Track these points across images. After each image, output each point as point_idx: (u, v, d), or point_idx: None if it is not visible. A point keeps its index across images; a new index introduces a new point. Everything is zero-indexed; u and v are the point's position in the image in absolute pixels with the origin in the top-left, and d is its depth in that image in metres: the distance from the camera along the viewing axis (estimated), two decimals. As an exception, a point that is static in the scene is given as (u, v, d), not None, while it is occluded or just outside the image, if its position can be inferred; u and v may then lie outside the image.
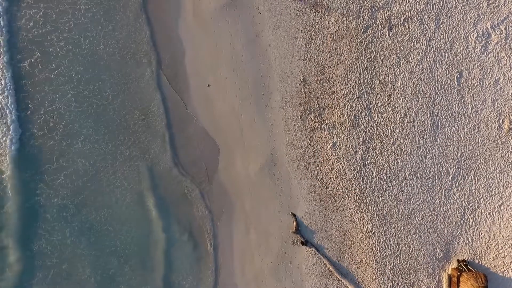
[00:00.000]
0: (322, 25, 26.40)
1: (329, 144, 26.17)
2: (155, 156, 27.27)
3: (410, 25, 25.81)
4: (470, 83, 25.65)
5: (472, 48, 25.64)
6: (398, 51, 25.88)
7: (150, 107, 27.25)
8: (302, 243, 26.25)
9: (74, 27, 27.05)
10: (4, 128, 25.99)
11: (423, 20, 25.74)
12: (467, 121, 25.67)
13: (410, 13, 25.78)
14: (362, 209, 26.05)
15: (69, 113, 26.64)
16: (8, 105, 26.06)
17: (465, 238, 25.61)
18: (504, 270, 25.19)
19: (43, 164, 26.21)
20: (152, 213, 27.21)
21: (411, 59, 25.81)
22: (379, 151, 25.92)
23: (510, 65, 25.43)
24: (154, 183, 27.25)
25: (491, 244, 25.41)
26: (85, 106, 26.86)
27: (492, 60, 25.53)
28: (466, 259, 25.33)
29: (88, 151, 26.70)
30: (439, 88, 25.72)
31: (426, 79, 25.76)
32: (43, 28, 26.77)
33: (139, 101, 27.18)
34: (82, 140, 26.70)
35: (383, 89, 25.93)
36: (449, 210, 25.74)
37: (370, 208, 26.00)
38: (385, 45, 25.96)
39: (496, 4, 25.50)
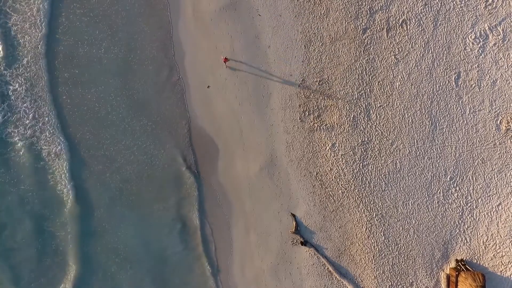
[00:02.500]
0: (321, 27, 26.57)
1: (328, 145, 26.34)
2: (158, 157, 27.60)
3: (408, 27, 25.98)
4: (468, 84, 25.83)
5: (470, 50, 25.81)
6: (397, 53, 26.05)
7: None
8: (302, 243, 26.41)
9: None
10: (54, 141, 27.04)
11: (421, 22, 25.92)
12: (465, 122, 25.85)
13: (409, 14, 25.95)
14: (361, 210, 26.22)
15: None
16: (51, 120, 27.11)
17: (463, 238, 25.79)
18: (502, 270, 25.39)
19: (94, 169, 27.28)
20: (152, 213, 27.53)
21: (410, 60, 25.98)
22: (377, 151, 26.10)
23: (507, 66, 25.61)
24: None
25: (489, 244, 25.60)
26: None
27: (489, 61, 25.71)
28: (464, 259, 25.52)
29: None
30: (437, 89, 25.90)
31: (424, 80, 25.93)
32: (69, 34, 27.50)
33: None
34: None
35: (382, 90, 26.10)
36: (448, 210, 25.92)
37: (369, 209, 26.17)
38: (383, 47, 26.13)
39: (494, 6, 25.67)
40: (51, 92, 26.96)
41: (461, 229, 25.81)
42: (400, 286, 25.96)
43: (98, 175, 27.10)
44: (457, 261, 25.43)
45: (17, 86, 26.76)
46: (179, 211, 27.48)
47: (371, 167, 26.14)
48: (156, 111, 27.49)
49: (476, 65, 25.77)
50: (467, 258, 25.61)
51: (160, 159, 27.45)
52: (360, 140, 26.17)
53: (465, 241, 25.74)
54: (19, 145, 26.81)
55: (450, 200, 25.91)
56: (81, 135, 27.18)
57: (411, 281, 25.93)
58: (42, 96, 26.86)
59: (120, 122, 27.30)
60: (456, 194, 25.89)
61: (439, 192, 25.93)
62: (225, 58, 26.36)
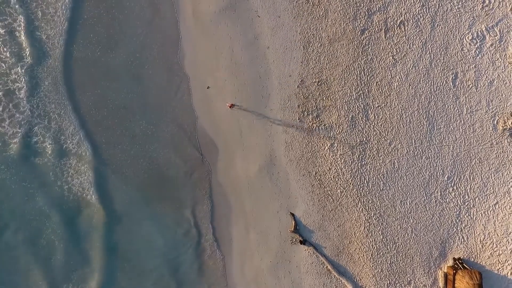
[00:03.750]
0: (320, 28, 26.81)
1: (327, 145, 26.60)
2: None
3: (406, 28, 26.22)
4: (465, 85, 26.06)
5: (467, 50, 26.04)
6: (395, 53, 26.29)
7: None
8: (301, 242, 26.67)
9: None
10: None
11: (419, 23, 26.15)
12: (462, 121, 26.09)
13: (406, 15, 26.19)
14: (359, 209, 26.48)
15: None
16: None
17: (461, 237, 26.04)
18: (499, 268, 25.63)
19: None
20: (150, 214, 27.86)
21: (407, 61, 26.22)
22: (376, 151, 26.35)
23: (504, 66, 25.83)
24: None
25: (486, 243, 25.84)
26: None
27: (486, 62, 25.92)
28: (461, 257, 25.76)
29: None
30: (435, 89, 26.14)
31: (422, 80, 26.17)
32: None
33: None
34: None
35: (380, 90, 26.35)
36: (445, 209, 26.16)
37: (367, 208, 26.42)
38: (381, 47, 26.36)
39: (491, 7, 25.88)
40: (70, 94, 27.61)
41: (458, 228, 26.06)
42: (398, 284, 26.22)
43: (119, 177, 27.66)
44: (454, 259, 25.67)
45: (40, 86, 27.52)
46: (193, 212, 27.90)
47: (370, 166, 26.40)
48: (166, 112, 27.86)
49: (473, 66, 25.99)
50: (465, 256, 25.85)
51: (169, 160, 27.89)
52: (358, 140, 26.43)
53: (462, 240, 25.99)
54: (42, 148, 27.42)
55: (447, 199, 26.14)
56: (102, 139, 27.80)
57: (409, 279, 26.19)
58: (60, 98, 27.49)
59: (135, 125, 27.93)
60: (453, 193, 26.13)
61: (437, 192, 26.17)
62: (230, 104, 26.63)
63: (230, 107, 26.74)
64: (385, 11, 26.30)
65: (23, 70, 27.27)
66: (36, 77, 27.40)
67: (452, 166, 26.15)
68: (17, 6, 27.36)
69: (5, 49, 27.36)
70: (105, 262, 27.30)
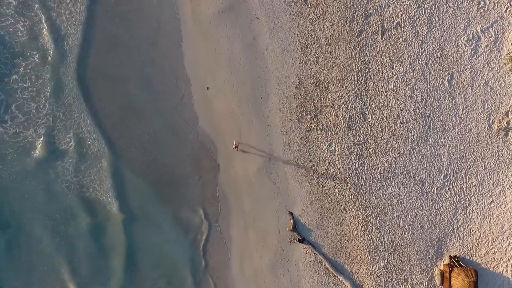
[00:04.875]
0: (318, 29, 27.16)
1: (325, 145, 26.94)
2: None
3: (402, 29, 26.58)
4: (461, 85, 26.41)
5: (462, 51, 26.40)
6: (391, 54, 26.64)
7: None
8: (299, 241, 26.99)
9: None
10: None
11: (415, 24, 26.51)
12: (458, 121, 26.45)
13: (403, 17, 26.55)
14: (357, 208, 26.82)
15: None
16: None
17: (457, 235, 26.39)
18: (494, 266, 25.98)
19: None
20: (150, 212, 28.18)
21: (404, 62, 26.58)
22: (373, 151, 26.70)
23: (499, 67, 26.19)
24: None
25: (481, 241, 26.20)
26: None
27: (482, 63, 26.28)
28: (457, 255, 26.10)
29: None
30: (431, 89, 26.50)
31: (418, 81, 26.53)
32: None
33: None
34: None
35: (377, 91, 26.70)
36: (441, 208, 26.51)
37: (364, 207, 26.77)
38: (378, 49, 26.71)
39: (486, 8, 26.24)
40: (85, 95, 27.95)
41: (454, 226, 26.40)
42: (395, 282, 26.57)
43: (133, 177, 27.98)
44: (450, 257, 26.02)
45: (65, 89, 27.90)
46: (202, 211, 28.17)
47: (367, 166, 26.74)
48: (170, 113, 28.17)
49: (468, 66, 26.34)
50: (461, 254, 26.20)
51: (175, 160, 28.19)
52: (356, 140, 26.77)
53: (458, 238, 26.34)
54: (55, 148, 27.74)
55: (443, 198, 26.49)
56: (113, 140, 28.09)
57: (406, 277, 26.53)
58: (72, 99, 27.89)
59: (140, 125, 28.23)
60: (449, 192, 26.49)
61: (433, 190, 26.52)
62: (236, 145, 26.86)
63: (235, 147, 26.94)
64: (381, 13, 26.65)
65: (28, 70, 27.59)
66: (45, 78, 27.68)
67: (448, 165, 26.50)
68: (34, 7, 27.72)
69: (5, 51, 27.61)
70: (121, 262, 27.60)
